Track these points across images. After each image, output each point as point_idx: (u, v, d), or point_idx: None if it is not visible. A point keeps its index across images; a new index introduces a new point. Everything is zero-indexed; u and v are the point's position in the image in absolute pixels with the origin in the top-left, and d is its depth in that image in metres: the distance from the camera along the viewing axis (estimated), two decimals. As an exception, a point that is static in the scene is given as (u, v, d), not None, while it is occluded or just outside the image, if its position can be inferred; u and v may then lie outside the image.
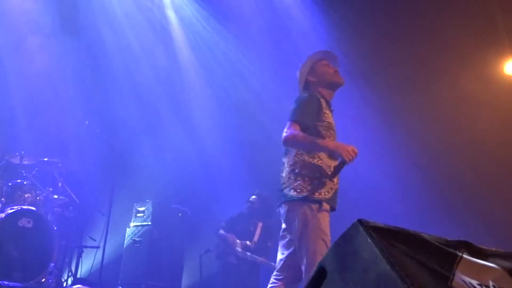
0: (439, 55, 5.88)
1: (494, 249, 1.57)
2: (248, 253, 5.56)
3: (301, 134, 2.95)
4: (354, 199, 5.86)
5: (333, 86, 3.30)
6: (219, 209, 6.34)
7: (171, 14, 6.68)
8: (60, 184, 5.50)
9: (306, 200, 2.92)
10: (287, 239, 3.07)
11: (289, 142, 2.98)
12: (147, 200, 6.18)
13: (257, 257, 5.55)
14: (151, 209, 6.07)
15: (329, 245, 2.79)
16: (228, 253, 5.57)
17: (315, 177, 2.96)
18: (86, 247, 5.74)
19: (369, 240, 1.35)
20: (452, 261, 1.38)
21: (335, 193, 3.04)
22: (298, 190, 2.94)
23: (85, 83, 6.39)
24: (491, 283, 1.38)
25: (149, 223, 5.99)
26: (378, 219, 1.41)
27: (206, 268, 5.87)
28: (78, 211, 5.69)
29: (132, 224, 6.18)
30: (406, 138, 6.18)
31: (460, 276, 1.35)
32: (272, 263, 5.52)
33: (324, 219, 2.93)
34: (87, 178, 6.10)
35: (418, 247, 1.36)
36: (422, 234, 1.43)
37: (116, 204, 5.94)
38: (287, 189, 2.99)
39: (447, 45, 5.82)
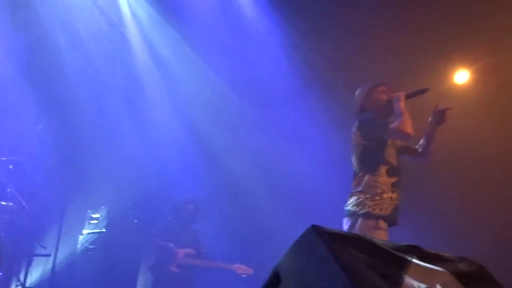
0: (393, 63, 6.04)
1: (442, 253, 1.62)
2: (200, 260, 5.60)
3: (395, 126, 3.30)
4: (313, 204, 5.93)
5: (385, 115, 3.51)
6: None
7: (126, 11, 6.57)
8: (9, 190, 5.31)
9: (366, 216, 3.17)
10: None
11: (404, 133, 3.28)
12: (102, 207, 6.04)
13: (212, 261, 5.62)
14: (106, 216, 5.93)
15: None
16: (169, 263, 5.54)
17: (377, 193, 3.23)
18: (36, 255, 5.55)
19: (322, 245, 1.37)
20: (401, 266, 1.41)
21: (395, 208, 3.26)
22: (360, 206, 3.21)
23: (37, 83, 6.18)
24: (438, 286, 1.42)
25: (103, 230, 5.85)
26: (337, 223, 1.43)
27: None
28: (28, 218, 5.49)
29: (85, 231, 6.01)
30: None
31: (409, 280, 1.39)
32: (228, 264, 5.58)
33: (380, 237, 3.08)
34: (39, 184, 5.91)
35: (369, 252, 1.39)
36: (374, 239, 1.46)
37: (70, 210, 5.77)
38: (351, 205, 3.27)
39: (402, 54, 5.97)
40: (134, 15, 6.59)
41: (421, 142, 3.64)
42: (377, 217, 3.17)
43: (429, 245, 1.64)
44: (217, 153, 6.62)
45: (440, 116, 3.55)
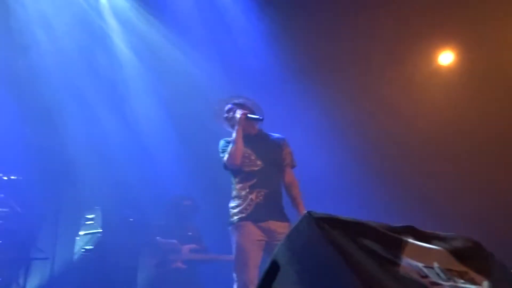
0: (376, 48, 6.06)
1: (437, 232, 1.64)
2: (204, 254, 5.61)
3: (226, 158, 3.68)
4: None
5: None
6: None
7: (107, 12, 6.49)
8: (2, 195, 5.27)
9: (230, 223, 3.62)
10: None
11: (230, 164, 3.68)
12: (96, 207, 6.01)
13: (216, 254, 5.62)
14: (100, 216, 5.91)
15: (248, 259, 3.44)
16: (173, 260, 5.54)
17: (235, 201, 3.65)
18: (35, 259, 5.52)
19: (318, 230, 1.37)
20: (398, 246, 1.43)
21: (257, 205, 3.58)
22: (230, 216, 3.65)
23: (19, 87, 6.11)
24: (435, 265, 1.44)
25: (99, 230, 5.82)
26: (324, 210, 1.44)
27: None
28: (22, 223, 5.46)
29: (81, 232, 5.99)
30: (347, 129, 6.35)
31: (407, 260, 1.40)
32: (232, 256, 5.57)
33: (241, 237, 3.54)
34: (31, 188, 5.86)
35: (366, 235, 1.40)
36: (369, 222, 1.47)
37: (64, 212, 5.75)
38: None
39: (383, 39, 5.99)
40: (116, 14, 6.50)
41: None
42: (235, 222, 3.57)
43: (421, 226, 1.66)
44: (203, 148, 6.61)
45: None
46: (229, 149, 3.67)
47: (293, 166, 3.88)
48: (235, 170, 3.72)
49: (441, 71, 6.27)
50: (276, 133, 4.02)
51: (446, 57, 6.16)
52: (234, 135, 3.68)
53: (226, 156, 3.67)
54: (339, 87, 6.31)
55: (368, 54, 6.08)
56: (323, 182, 5.97)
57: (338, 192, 6.02)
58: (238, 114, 3.73)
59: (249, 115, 3.76)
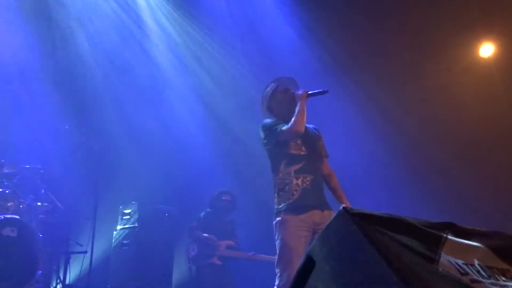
0: (415, 41, 5.96)
1: (477, 228, 1.60)
2: (240, 251, 5.63)
3: (285, 128, 3.45)
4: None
5: (291, 112, 3.58)
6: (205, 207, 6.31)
7: (147, 15, 6.60)
8: (43, 191, 5.43)
9: (277, 213, 3.45)
10: None
11: (293, 132, 3.43)
12: (133, 202, 6.13)
13: (252, 253, 5.62)
14: (137, 211, 6.02)
15: (293, 256, 3.29)
16: (210, 255, 5.58)
17: (280, 189, 3.47)
18: (73, 252, 5.69)
19: (355, 227, 1.35)
20: (437, 243, 1.39)
21: (304, 191, 3.42)
22: (275, 206, 3.48)
23: (61, 86, 6.28)
24: (476, 262, 1.40)
25: (136, 224, 5.94)
26: (359, 205, 1.42)
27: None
28: (63, 217, 5.62)
29: (118, 227, 6.12)
30: (383, 121, 6.26)
31: (446, 257, 1.37)
32: (269, 256, 5.56)
33: (289, 228, 3.39)
34: (70, 183, 6.03)
35: (403, 231, 1.37)
36: (406, 218, 1.44)
37: (101, 207, 5.89)
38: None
39: (424, 31, 5.89)
40: (155, 17, 6.61)
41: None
42: (281, 211, 3.40)
43: (457, 221, 1.62)
44: (245, 145, 6.63)
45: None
46: (293, 118, 3.46)
47: (327, 157, 3.82)
48: (281, 155, 3.52)
49: (481, 64, 6.10)
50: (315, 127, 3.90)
51: (486, 49, 5.99)
52: (297, 108, 3.48)
53: (285, 127, 3.47)
54: (376, 81, 6.23)
55: (407, 47, 5.97)
56: (358, 177, 5.91)
57: (373, 187, 5.94)
58: (300, 91, 3.59)
59: (310, 91, 3.58)
